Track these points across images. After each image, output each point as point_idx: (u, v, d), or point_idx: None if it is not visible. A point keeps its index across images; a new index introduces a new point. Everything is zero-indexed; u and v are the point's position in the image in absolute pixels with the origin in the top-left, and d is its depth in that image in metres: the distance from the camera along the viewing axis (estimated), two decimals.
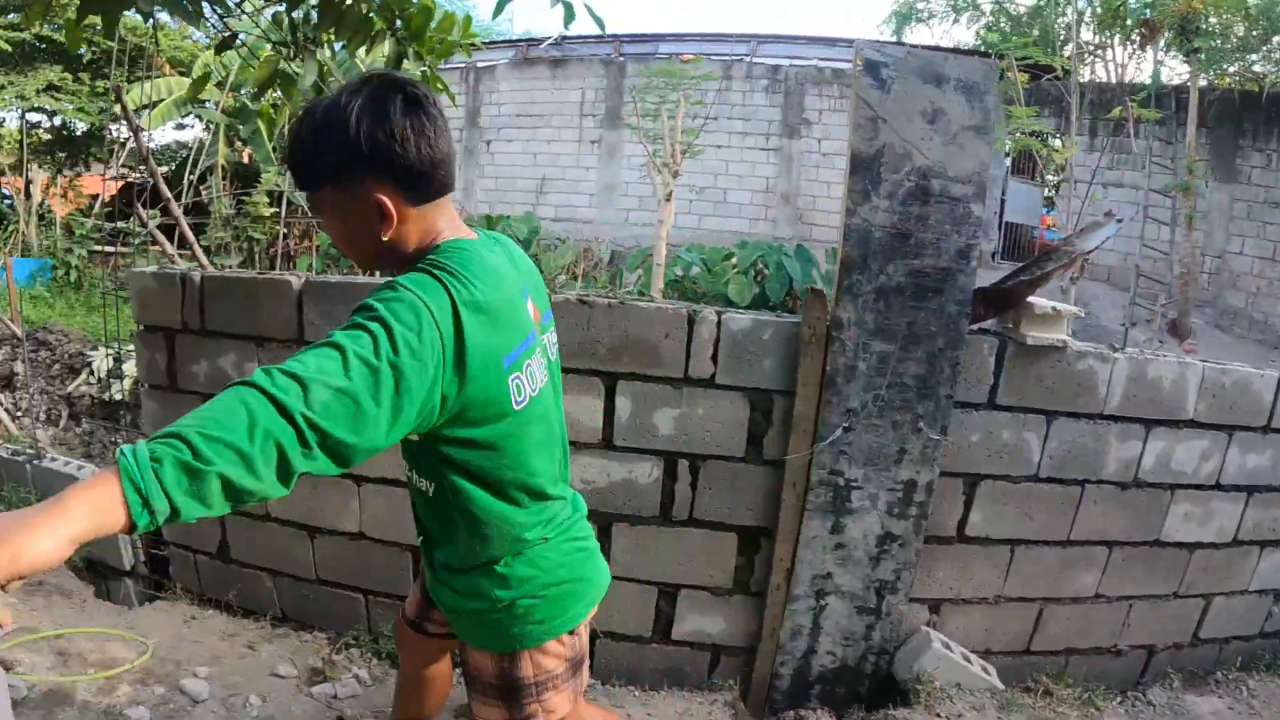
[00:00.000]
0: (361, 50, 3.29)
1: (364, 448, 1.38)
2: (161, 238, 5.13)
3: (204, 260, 4.97)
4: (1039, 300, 3.25)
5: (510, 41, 20.30)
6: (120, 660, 3.45)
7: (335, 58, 3.48)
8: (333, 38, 3.26)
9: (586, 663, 2.06)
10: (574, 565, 1.90)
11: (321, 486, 3.65)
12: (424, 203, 1.65)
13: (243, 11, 3.37)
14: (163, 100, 14.54)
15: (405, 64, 3.17)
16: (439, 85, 3.17)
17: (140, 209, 5.27)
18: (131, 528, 1.18)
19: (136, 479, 1.16)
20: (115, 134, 18.16)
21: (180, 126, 18.34)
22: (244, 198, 13.84)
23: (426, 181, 1.62)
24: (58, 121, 19.39)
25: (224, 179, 15.04)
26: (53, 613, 3.91)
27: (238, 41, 3.36)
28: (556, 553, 1.85)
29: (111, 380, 7.32)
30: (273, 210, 13.88)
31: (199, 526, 4.08)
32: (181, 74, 14.93)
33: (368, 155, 1.54)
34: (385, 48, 3.05)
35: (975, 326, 3.21)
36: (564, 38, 18.56)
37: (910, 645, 3.44)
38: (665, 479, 3.16)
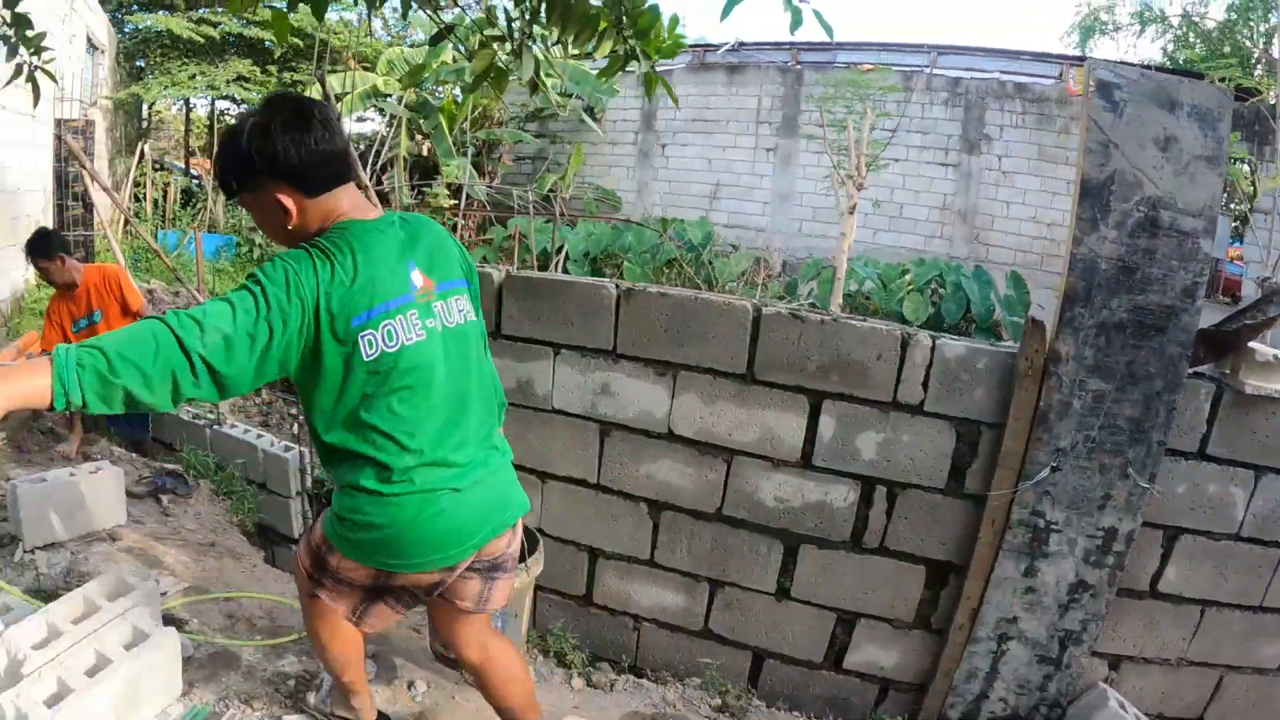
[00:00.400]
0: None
1: (241, 382, 1.78)
2: None
3: None
4: (1260, 346, 3.12)
5: (687, 46, 20.45)
6: (287, 628, 3.52)
7: (555, 53, 3.50)
8: (550, 33, 3.26)
9: (402, 603, 2.34)
10: (419, 526, 2.01)
11: None
12: (319, 194, 1.97)
13: (455, 4, 3.38)
14: (348, 93, 15.22)
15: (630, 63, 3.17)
16: (663, 85, 3.16)
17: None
18: (50, 408, 1.60)
19: (64, 375, 1.56)
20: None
21: (361, 119, 19.18)
22: (425, 188, 14.38)
23: (315, 178, 1.95)
24: (245, 109, 20.38)
25: (405, 170, 15.66)
26: (224, 575, 4.04)
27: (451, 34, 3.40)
28: (398, 505, 1.98)
29: None
30: (452, 202, 14.39)
31: None
32: (366, 69, 15.56)
33: (260, 167, 1.91)
34: (607, 46, 3.03)
35: (1192, 370, 3.11)
36: (740, 44, 18.56)
37: (1085, 701, 3.32)
38: (860, 504, 3.13)
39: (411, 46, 17.81)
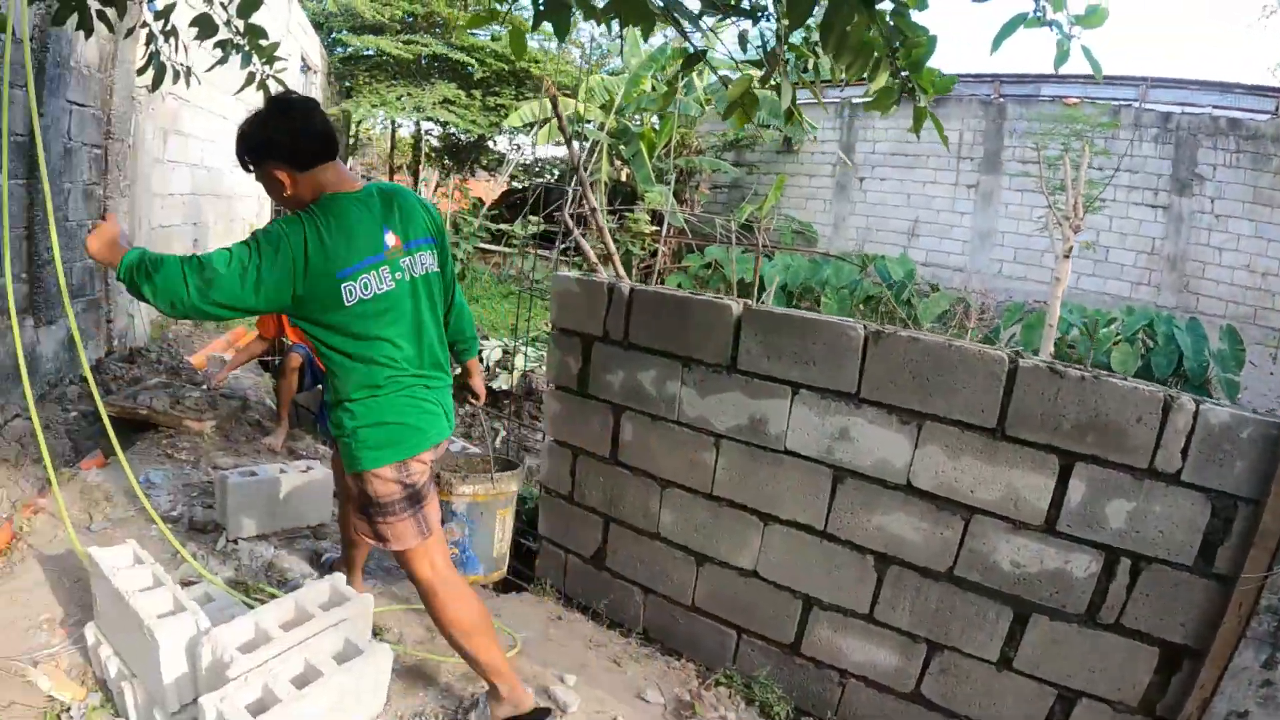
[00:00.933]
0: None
1: (231, 306, 2.64)
2: (587, 248, 5.75)
3: (621, 270, 5.52)
4: None
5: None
6: None
7: (818, 76, 3.72)
8: (817, 59, 3.44)
9: (434, 509, 3.09)
10: (404, 414, 2.93)
11: (724, 518, 3.98)
12: (308, 169, 2.82)
13: (703, 27, 3.63)
14: (549, 119, 16.28)
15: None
16: (934, 122, 3.34)
17: (570, 222, 5.90)
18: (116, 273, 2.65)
19: (130, 260, 2.61)
20: (497, 145, 21.66)
21: (559, 144, 20.58)
22: (626, 212, 15.17)
23: (304, 155, 2.80)
24: (448, 131, 22.88)
25: (604, 194, 16.56)
26: None
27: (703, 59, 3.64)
28: (391, 402, 2.90)
29: (499, 370, 8.11)
30: (652, 228, 15.12)
31: (580, 530, 4.53)
32: (567, 95, 16.60)
33: (261, 149, 2.83)
34: (882, 78, 3.18)
35: None
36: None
37: None
38: (1101, 576, 3.25)
39: (611, 74, 18.81)
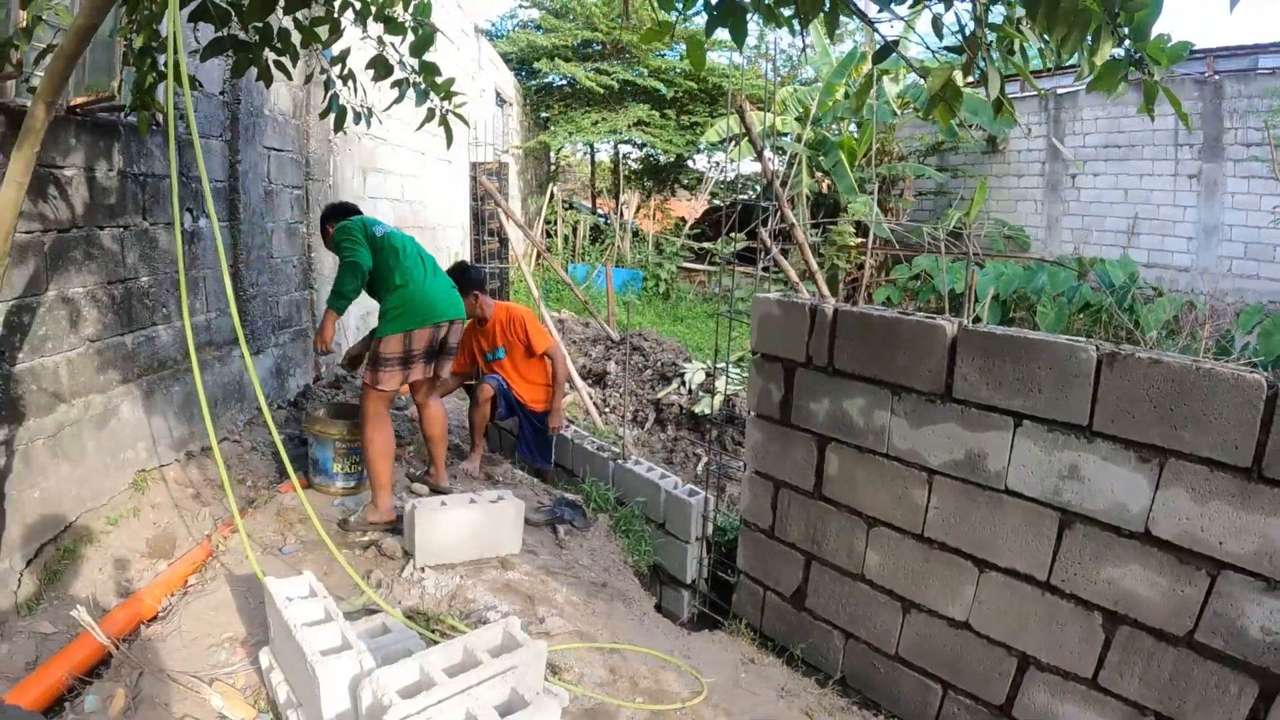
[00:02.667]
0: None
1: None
2: (787, 267, 5.66)
3: (824, 289, 5.37)
4: None
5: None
6: (672, 695, 3.67)
7: (1027, 60, 3.39)
8: (1028, 38, 3.14)
9: (420, 367, 4.89)
10: (417, 302, 4.77)
11: (934, 561, 3.75)
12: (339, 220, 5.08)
13: (892, 14, 3.40)
14: (744, 135, 16.45)
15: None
16: (1169, 98, 2.97)
17: (766, 238, 5.82)
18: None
19: (332, 305, 4.87)
20: (696, 164, 22.37)
21: (756, 159, 20.97)
22: (830, 226, 15.11)
23: (338, 217, 5.19)
24: (646, 152, 23.90)
25: (806, 208, 16.45)
26: (612, 620, 4.30)
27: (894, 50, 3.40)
28: (407, 294, 4.77)
29: (701, 394, 8.10)
30: (857, 240, 14.98)
31: (780, 566, 4.38)
32: (760, 109, 16.75)
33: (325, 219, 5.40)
34: (1106, 48, 2.85)
35: None
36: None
37: None
38: None
39: (803, 84, 18.77)
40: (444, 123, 4.50)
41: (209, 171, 5.39)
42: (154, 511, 4.60)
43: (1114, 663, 3.27)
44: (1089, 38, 2.81)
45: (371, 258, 4.81)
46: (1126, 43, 2.81)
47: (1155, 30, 2.82)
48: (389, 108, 4.92)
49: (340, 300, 4.78)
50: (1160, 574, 3.12)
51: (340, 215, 5.18)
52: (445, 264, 11.85)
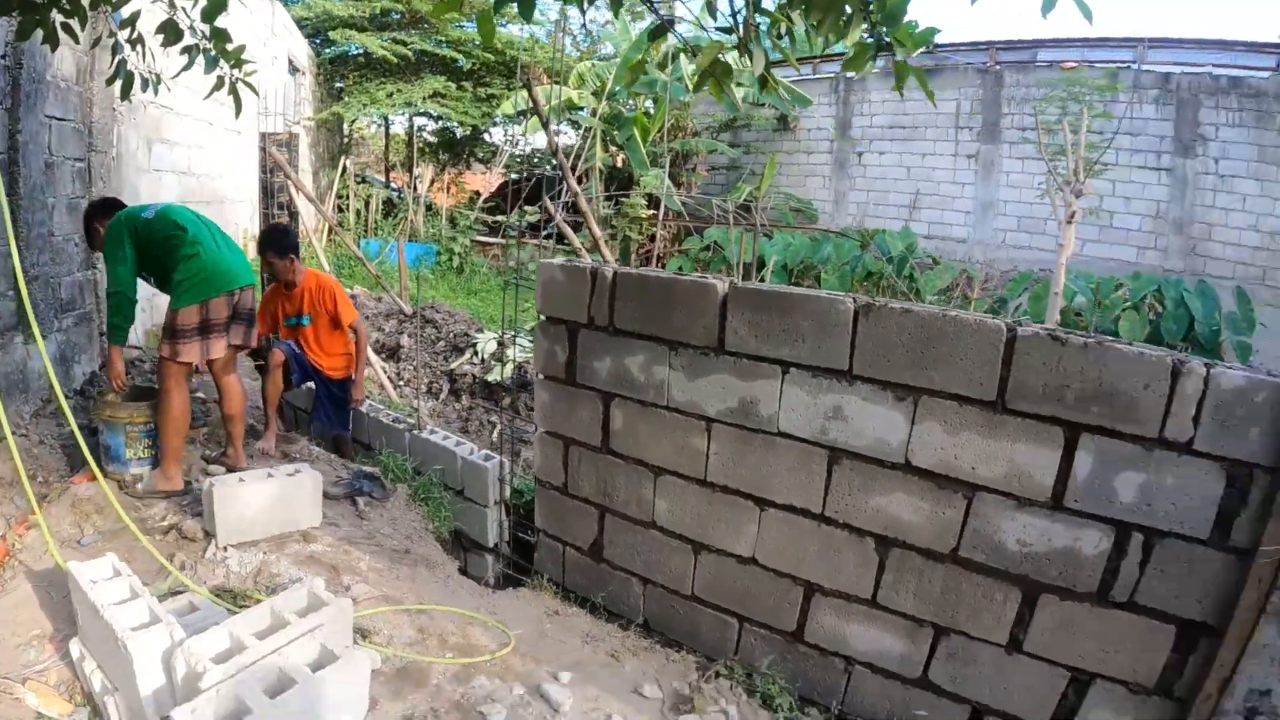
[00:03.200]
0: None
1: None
2: (570, 233, 5.53)
3: (607, 255, 5.28)
4: None
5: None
6: (480, 648, 3.58)
7: (794, 44, 3.45)
8: (790, 20, 3.18)
9: (221, 340, 4.59)
10: (210, 270, 4.47)
11: (718, 504, 3.74)
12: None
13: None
14: (548, 104, 16.08)
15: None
16: (917, 78, 3.06)
17: (551, 206, 5.67)
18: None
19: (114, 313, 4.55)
20: (495, 137, 21.05)
21: (556, 134, 20.33)
22: (622, 198, 14.95)
23: (105, 213, 4.85)
24: (441, 124, 22.76)
25: (600, 181, 16.36)
26: (417, 584, 4.16)
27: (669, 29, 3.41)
28: (199, 264, 4.46)
29: (494, 362, 7.90)
30: (649, 212, 14.89)
31: (575, 520, 4.30)
32: (555, 83, 16.40)
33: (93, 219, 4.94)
34: (856, 32, 2.91)
35: None
36: (936, 45, 18.40)
37: None
38: (1113, 553, 3.00)
39: (602, 60, 18.52)
40: (233, 91, 4.22)
41: None
42: None
43: (890, 582, 3.36)
44: (845, 23, 2.86)
45: (140, 252, 4.53)
46: (882, 30, 2.84)
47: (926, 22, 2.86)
48: (178, 74, 4.47)
49: (118, 332, 4.54)
50: (923, 499, 3.21)
51: (105, 212, 4.81)
52: (236, 239, 11.17)
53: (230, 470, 4.90)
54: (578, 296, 4.06)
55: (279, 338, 5.93)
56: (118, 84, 4.24)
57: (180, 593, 3.53)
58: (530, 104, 15.30)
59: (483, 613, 3.97)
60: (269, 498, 4.23)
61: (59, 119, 5.67)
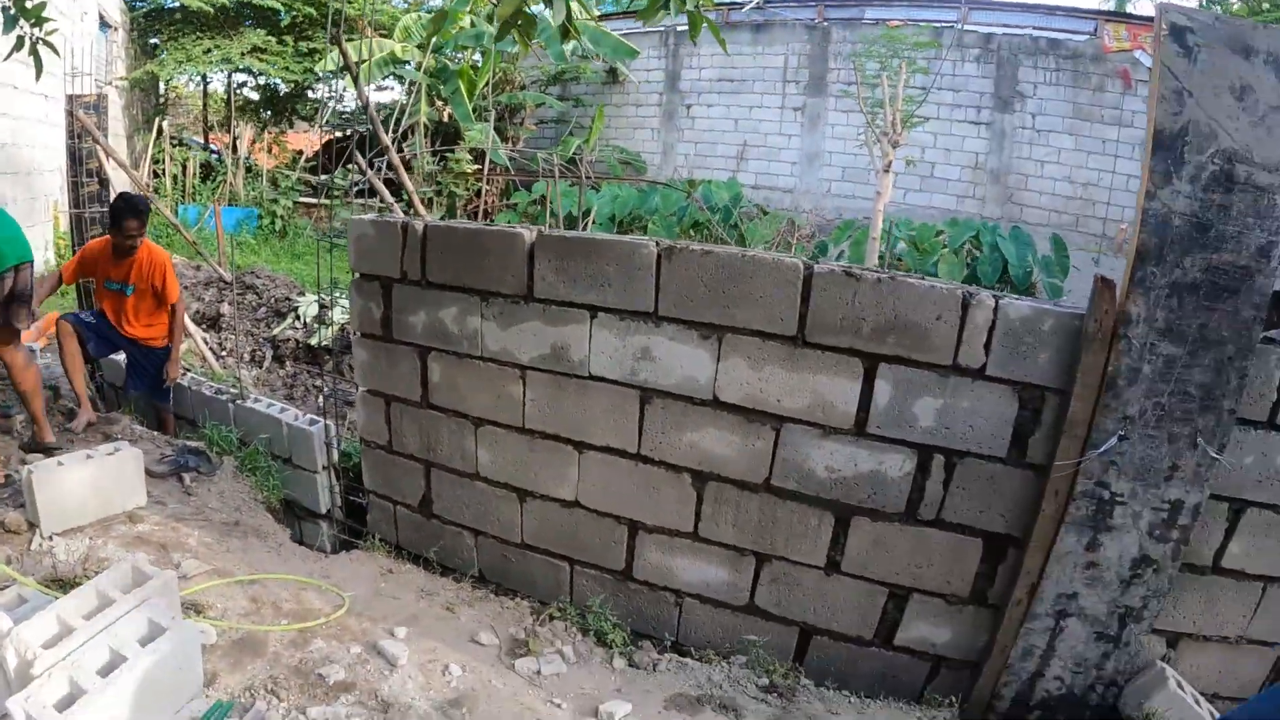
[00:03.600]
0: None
1: None
2: (382, 188, 5.21)
3: (421, 210, 5.01)
4: None
5: (711, 5, 19.79)
6: (316, 612, 3.40)
7: None
8: None
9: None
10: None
11: (539, 450, 3.60)
12: None
13: None
14: (364, 60, 15.15)
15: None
16: (710, 27, 2.95)
17: (361, 161, 5.33)
18: None
19: None
20: (319, 93, 19.66)
21: (381, 89, 19.12)
22: (447, 154, 14.32)
23: None
24: (263, 81, 20.63)
25: (425, 137, 15.58)
26: (248, 555, 3.92)
27: None
28: None
29: (317, 326, 7.50)
30: (474, 167, 14.31)
31: (402, 478, 4.09)
32: (383, 37, 15.48)
33: None
34: None
35: (1265, 335, 2.98)
36: (766, 1, 18.21)
37: (1142, 680, 3.19)
38: (917, 474, 2.99)
39: (428, 13, 17.62)
40: (34, 52, 3.76)
41: None
42: None
43: (709, 515, 3.31)
44: None
45: None
46: None
47: None
48: None
49: None
50: (733, 433, 3.15)
51: None
52: (44, 212, 10.11)
53: (44, 450, 4.50)
54: (390, 251, 3.82)
55: (92, 302, 5.45)
56: None
57: (7, 587, 3.22)
58: (355, 57, 14.55)
59: (316, 577, 3.77)
60: (89, 480, 3.90)
61: None
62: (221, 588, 3.48)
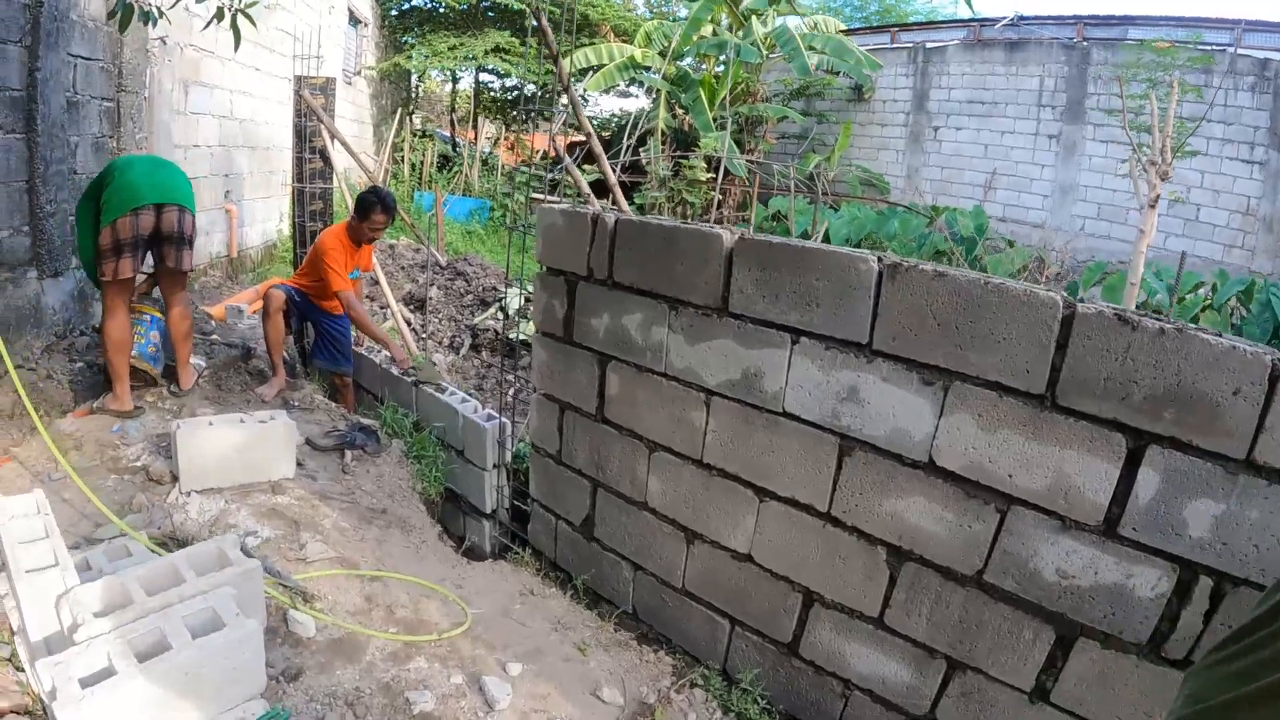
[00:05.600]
0: None
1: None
2: (578, 175, 5.00)
3: (623, 203, 4.71)
4: None
5: (962, 21, 18.60)
6: (430, 625, 3.14)
7: None
8: None
9: (130, 256, 4.30)
10: (117, 192, 4.27)
11: (714, 489, 3.16)
12: None
13: None
14: (604, 65, 15.38)
15: None
16: None
17: (560, 148, 5.18)
18: None
19: None
20: (557, 94, 20.40)
21: (624, 95, 19.50)
22: (681, 159, 14.28)
23: None
24: (510, 83, 21.77)
25: (663, 143, 15.52)
26: (382, 548, 3.71)
27: None
28: (111, 188, 4.28)
29: (517, 319, 7.42)
30: (709, 176, 14.19)
31: (568, 492, 3.79)
32: (624, 42, 15.68)
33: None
34: None
35: None
36: (1020, 18, 17.18)
37: None
38: (1173, 597, 2.33)
39: (673, 22, 17.70)
40: (234, 24, 3.79)
41: (3, 79, 4.55)
42: None
43: (900, 601, 2.74)
44: None
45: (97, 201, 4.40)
46: None
47: None
48: (173, 5, 4.20)
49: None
50: (946, 508, 2.57)
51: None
52: (280, 185, 10.76)
53: (180, 390, 4.85)
54: (578, 245, 3.51)
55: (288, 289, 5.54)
56: (110, 18, 3.94)
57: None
58: (596, 60, 14.58)
59: (447, 585, 3.52)
60: (237, 444, 3.87)
61: (85, 58, 5.41)
62: (340, 579, 3.29)
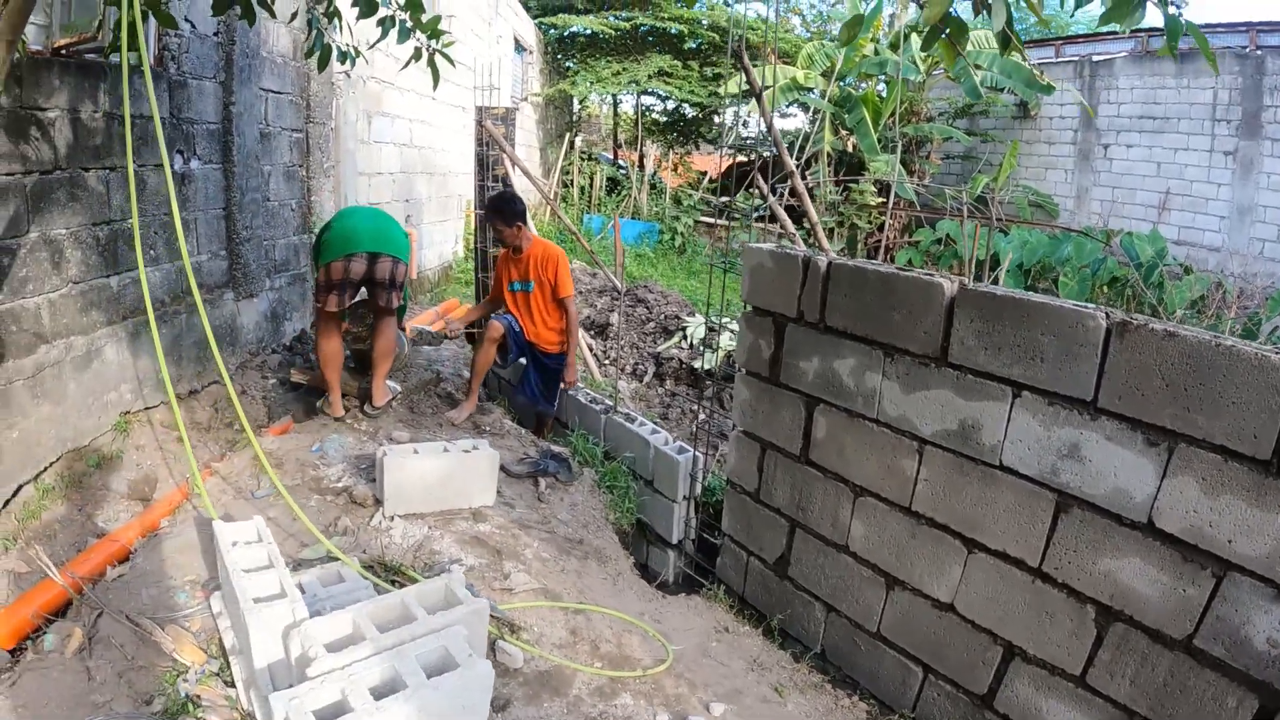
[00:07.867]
0: None
1: None
2: (783, 214, 5.17)
3: (824, 242, 4.88)
4: None
5: (1130, 32, 18.34)
6: (634, 661, 3.32)
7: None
8: None
9: (336, 294, 4.91)
10: (330, 240, 4.96)
11: (921, 538, 3.31)
12: None
13: None
14: (769, 87, 15.61)
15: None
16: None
17: (763, 185, 5.34)
18: None
19: None
20: (723, 117, 20.96)
21: (784, 116, 19.80)
22: (850, 184, 14.38)
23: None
24: (670, 105, 22.65)
25: (829, 166, 15.67)
26: (582, 579, 3.93)
27: None
28: (326, 236, 5.02)
29: (703, 349, 7.63)
30: (879, 200, 14.25)
31: (764, 531, 3.97)
32: (786, 63, 15.91)
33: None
34: None
35: None
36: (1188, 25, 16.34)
37: None
38: None
39: (831, 41, 17.77)
40: (431, 63, 4.15)
41: (201, 113, 5.11)
42: (137, 453, 4.40)
43: (1105, 661, 2.83)
44: None
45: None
46: None
47: None
48: (373, 45, 4.52)
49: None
50: (1162, 570, 2.66)
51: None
52: (456, 209, 11.41)
53: (365, 399, 5.31)
54: (787, 287, 3.72)
55: (504, 309, 5.85)
56: (308, 57, 4.28)
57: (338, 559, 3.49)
58: (749, 83, 14.82)
59: (646, 620, 3.72)
60: (441, 472, 4.14)
61: (275, 92, 6.00)
62: (545, 611, 3.49)
